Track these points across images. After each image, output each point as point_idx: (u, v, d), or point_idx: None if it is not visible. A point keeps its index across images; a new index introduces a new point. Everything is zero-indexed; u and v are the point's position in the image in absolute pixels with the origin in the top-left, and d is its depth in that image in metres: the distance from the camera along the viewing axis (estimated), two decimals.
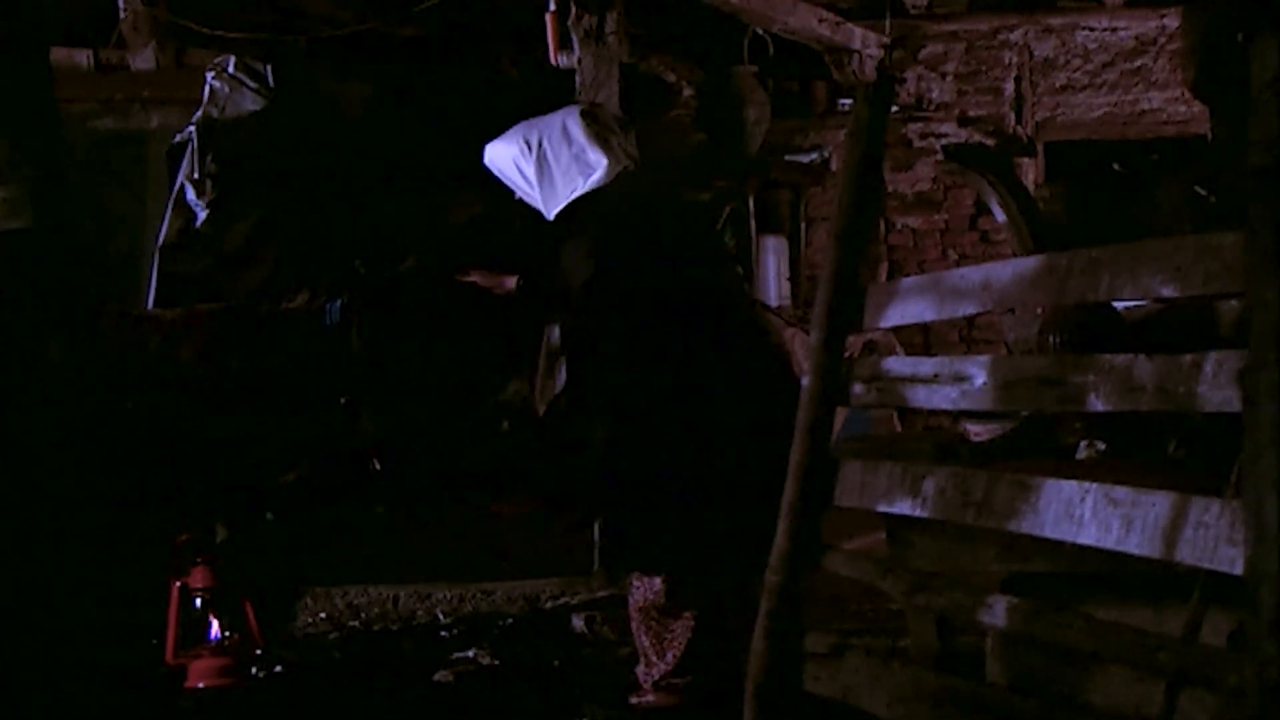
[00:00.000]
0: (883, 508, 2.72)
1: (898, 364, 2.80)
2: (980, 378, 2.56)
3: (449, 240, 7.53)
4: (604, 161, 4.38)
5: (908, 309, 2.79)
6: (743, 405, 4.15)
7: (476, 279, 4.82)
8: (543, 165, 4.39)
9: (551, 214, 4.44)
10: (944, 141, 8.41)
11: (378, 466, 6.38)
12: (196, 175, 6.26)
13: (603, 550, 4.98)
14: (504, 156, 4.50)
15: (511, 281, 4.73)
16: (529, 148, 4.41)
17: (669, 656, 4.31)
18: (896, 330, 8.17)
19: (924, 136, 8.74)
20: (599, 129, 4.47)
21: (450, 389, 6.37)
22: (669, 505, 4.20)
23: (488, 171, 5.78)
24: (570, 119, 4.47)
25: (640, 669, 4.39)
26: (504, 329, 6.50)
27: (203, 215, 6.28)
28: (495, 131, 7.11)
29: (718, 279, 4.71)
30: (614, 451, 4.28)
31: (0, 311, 3.12)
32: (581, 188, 4.40)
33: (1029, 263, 2.52)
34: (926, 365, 2.72)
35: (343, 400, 5.31)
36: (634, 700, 4.41)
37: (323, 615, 6.09)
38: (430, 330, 6.13)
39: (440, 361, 6.25)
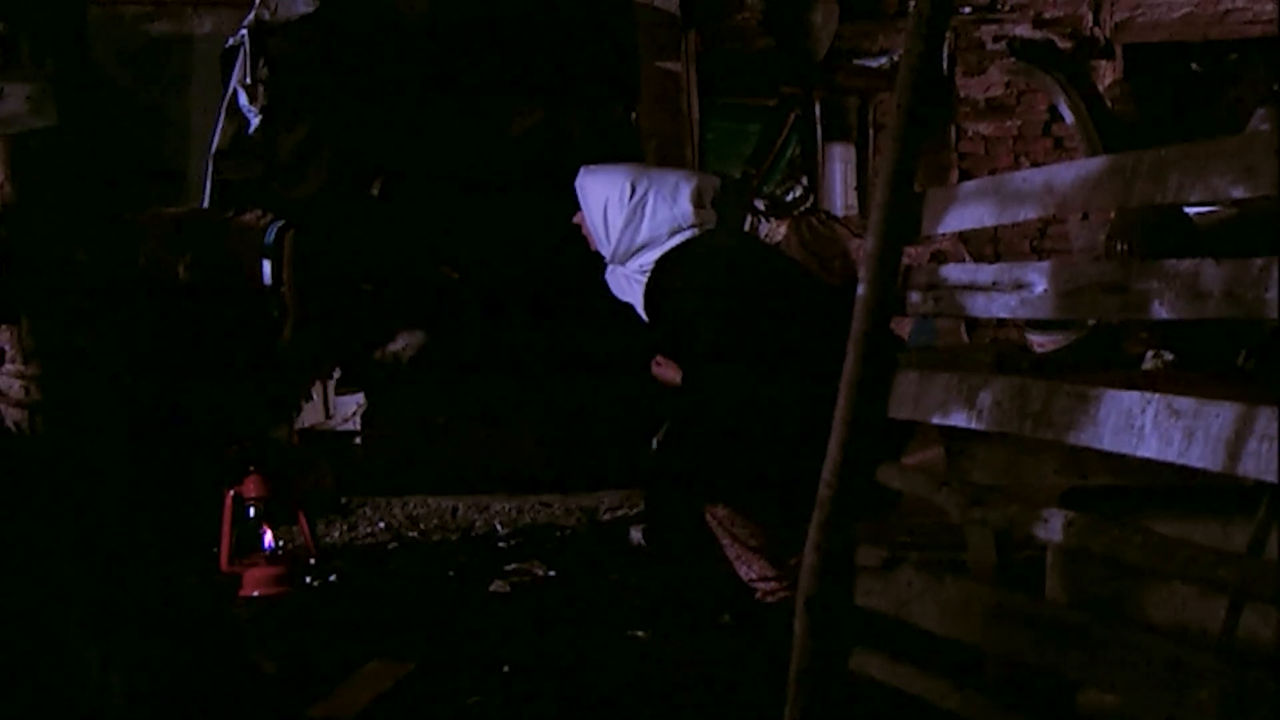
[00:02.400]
0: (937, 420, 2.67)
1: (955, 271, 2.73)
2: (1040, 285, 2.49)
3: (509, 152, 7.50)
4: (707, 222, 4.62)
5: (966, 214, 2.71)
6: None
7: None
8: (636, 215, 4.56)
9: (612, 260, 4.54)
10: (1013, 39, 8.19)
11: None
12: (249, 80, 6.23)
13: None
14: (598, 189, 4.65)
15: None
16: (630, 193, 4.54)
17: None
18: (966, 240, 8.07)
19: (997, 39, 8.53)
20: (704, 195, 4.55)
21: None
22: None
23: (550, 79, 5.78)
24: (687, 183, 4.65)
25: (743, 570, 4.49)
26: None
27: (255, 121, 6.25)
28: (554, 38, 7.07)
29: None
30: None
31: (26, 213, 3.11)
32: (661, 249, 4.55)
33: (1093, 164, 2.43)
34: (985, 272, 2.65)
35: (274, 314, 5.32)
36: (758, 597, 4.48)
37: (381, 525, 6.16)
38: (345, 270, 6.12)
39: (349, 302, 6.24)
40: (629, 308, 4.72)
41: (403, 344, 6.08)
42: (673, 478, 4.64)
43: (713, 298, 4.41)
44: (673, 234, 4.52)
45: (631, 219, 4.52)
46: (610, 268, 4.71)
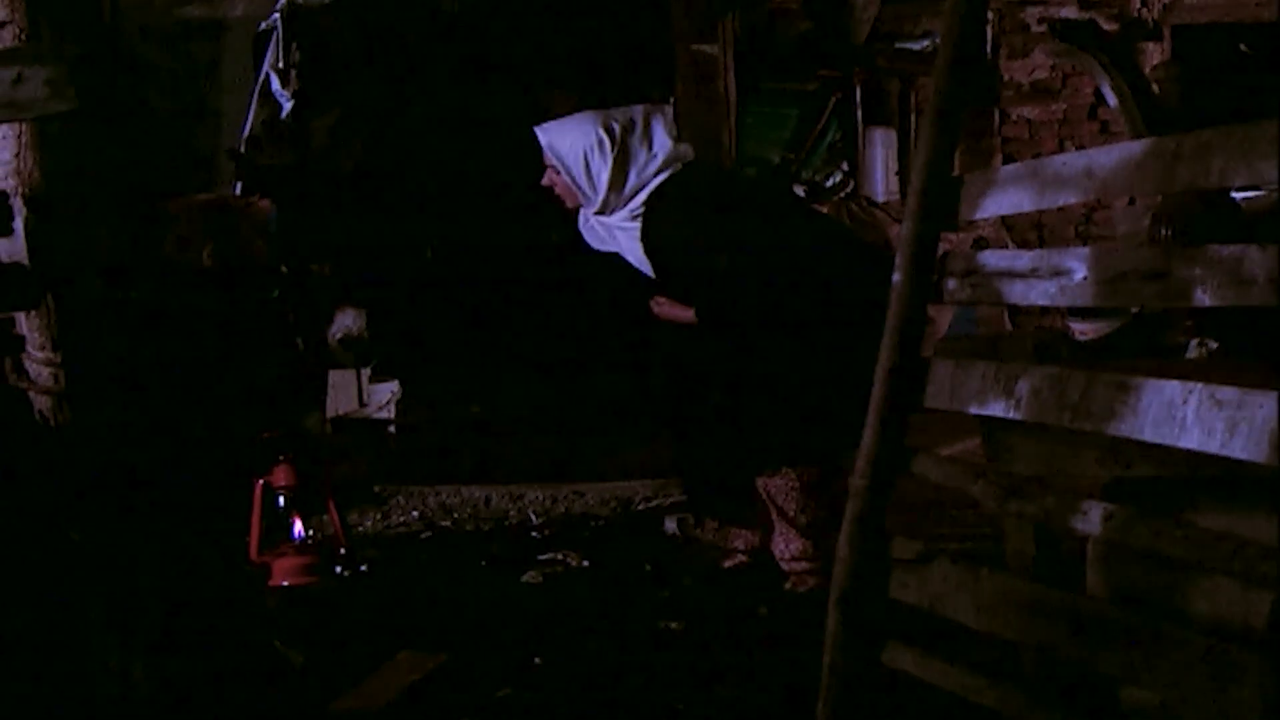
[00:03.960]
0: (974, 410, 2.64)
1: (993, 257, 2.70)
2: (1080, 271, 2.46)
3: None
4: (686, 156, 4.55)
5: (1005, 199, 2.69)
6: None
7: None
8: (622, 161, 4.48)
9: (599, 210, 4.52)
10: (1054, 21, 8.10)
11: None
12: (281, 65, 6.23)
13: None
14: (572, 144, 4.53)
15: None
16: (610, 141, 4.46)
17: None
18: (1009, 226, 8.00)
19: (1042, 21, 8.45)
20: (673, 127, 4.61)
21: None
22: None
23: (586, 63, 5.73)
24: (655, 117, 4.58)
25: (780, 545, 4.57)
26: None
27: (288, 106, 6.26)
28: (590, 21, 7.04)
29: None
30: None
31: (45, 199, 3.12)
32: (651, 186, 4.50)
33: (1135, 147, 2.40)
34: (1023, 258, 2.62)
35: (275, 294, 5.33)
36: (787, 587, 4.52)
37: (415, 514, 6.16)
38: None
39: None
40: (611, 257, 4.67)
41: (336, 327, 6.03)
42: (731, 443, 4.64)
43: (723, 226, 4.41)
44: (657, 173, 4.47)
45: (618, 169, 4.45)
46: (585, 219, 4.64)
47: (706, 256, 4.38)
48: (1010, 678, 2.64)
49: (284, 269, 5.26)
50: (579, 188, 4.52)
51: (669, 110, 4.71)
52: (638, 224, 4.49)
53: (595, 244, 4.67)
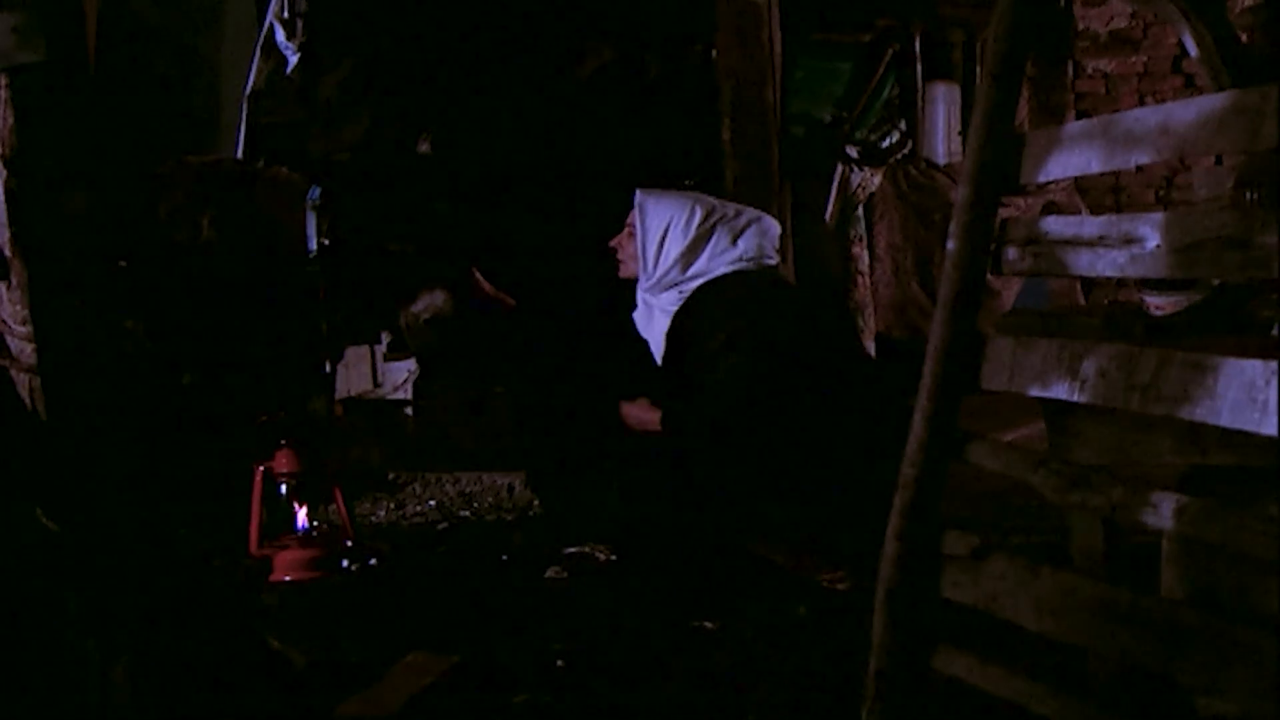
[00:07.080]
0: (1035, 391, 2.60)
1: (1057, 224, 2.66)
2: (1153, 239, 2.42)
3: (573, 96, 7.44)
4: (764, 262, 4.74)
5: (1071, 159, 2.64)
6: None
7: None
8: (700, 244, 4.70)
9: (654, 283, 4.76)
10: None
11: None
12: (286, 14, 6.23)
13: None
14: (662, 211, 4.75)
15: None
16: (700, 220, 4.67)
17: None
18: (1083, 191, 7.93)
19: None
20: (769, 241, 4.81)
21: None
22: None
23: (622, 13, 5.80)
24: (757, 223, 4.78)
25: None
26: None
27: (294, 60, 6.26)
28: None
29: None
30: None
31: (23, 160, 3.11)
32: (713, 274, 4.71)
33: (1215, 101, 2.35)
34: (1091, 225, 2.57)
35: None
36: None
37: (432, 503, 6.17)
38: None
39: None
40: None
41: (422, 305, 6.07)
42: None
43: (745, 336, 4.46)
44: (727, 265, 4.65)
45: (694, 247, 4.64)
46: (642, 299, 4.78)
47: (712, 359, 4.47)
48: (1074, 686, 2.61)
49: (324, 242, 5.29)
50: (643, 257, 4.70)
51: (775, 226, 4.83)
52: (673, 309, 4.64)
53: (639, 327, 4.83)
